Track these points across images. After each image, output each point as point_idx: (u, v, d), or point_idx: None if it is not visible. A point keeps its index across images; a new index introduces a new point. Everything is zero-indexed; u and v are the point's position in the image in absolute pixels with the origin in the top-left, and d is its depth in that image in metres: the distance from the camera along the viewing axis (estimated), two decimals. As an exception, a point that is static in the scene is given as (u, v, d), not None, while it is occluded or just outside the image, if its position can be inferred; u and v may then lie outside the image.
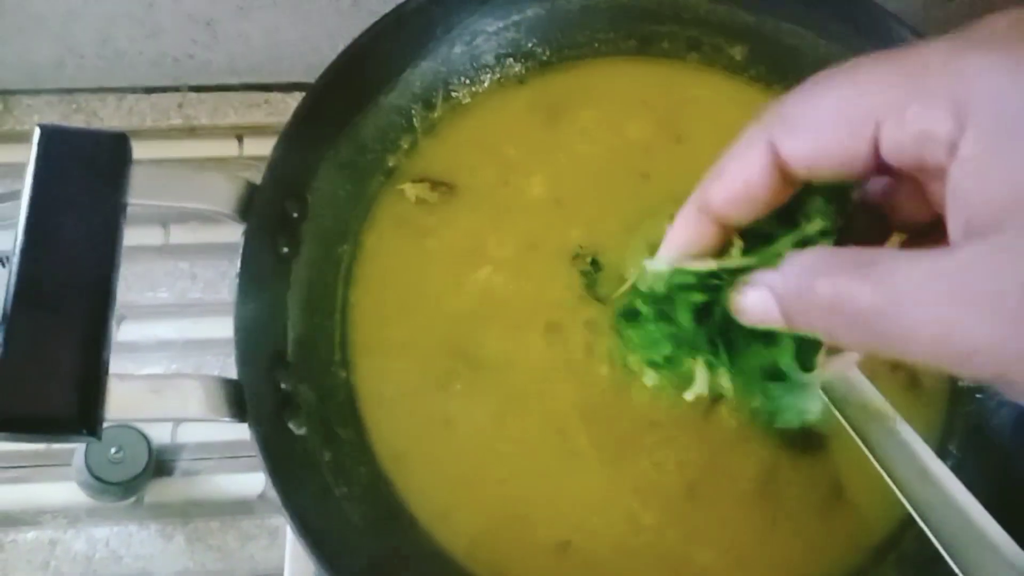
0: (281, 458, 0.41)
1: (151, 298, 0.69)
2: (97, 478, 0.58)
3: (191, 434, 0.63)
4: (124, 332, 0.66)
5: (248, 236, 0.44)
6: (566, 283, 0.51)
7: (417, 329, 0.50)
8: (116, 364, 0.63)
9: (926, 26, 0.54)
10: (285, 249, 0.48)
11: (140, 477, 0.59)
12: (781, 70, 0.58)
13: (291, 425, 0.44)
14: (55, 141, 0.40)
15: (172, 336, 0.67)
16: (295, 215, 0.48)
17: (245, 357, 0.42)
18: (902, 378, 0.51)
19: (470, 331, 0.50)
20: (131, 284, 0.68)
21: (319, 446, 0.45)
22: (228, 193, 0.44)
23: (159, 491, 0.62)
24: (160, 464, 0.61)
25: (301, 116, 0.47)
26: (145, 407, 0.39)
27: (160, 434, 0.63)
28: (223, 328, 0.45)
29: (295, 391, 0.45)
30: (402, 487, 0.46)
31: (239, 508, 0.64)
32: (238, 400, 0.41)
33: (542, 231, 0.53)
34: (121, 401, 0.39)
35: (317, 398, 0.47)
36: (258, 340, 0.44)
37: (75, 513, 0.61)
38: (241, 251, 0.44)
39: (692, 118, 0.56)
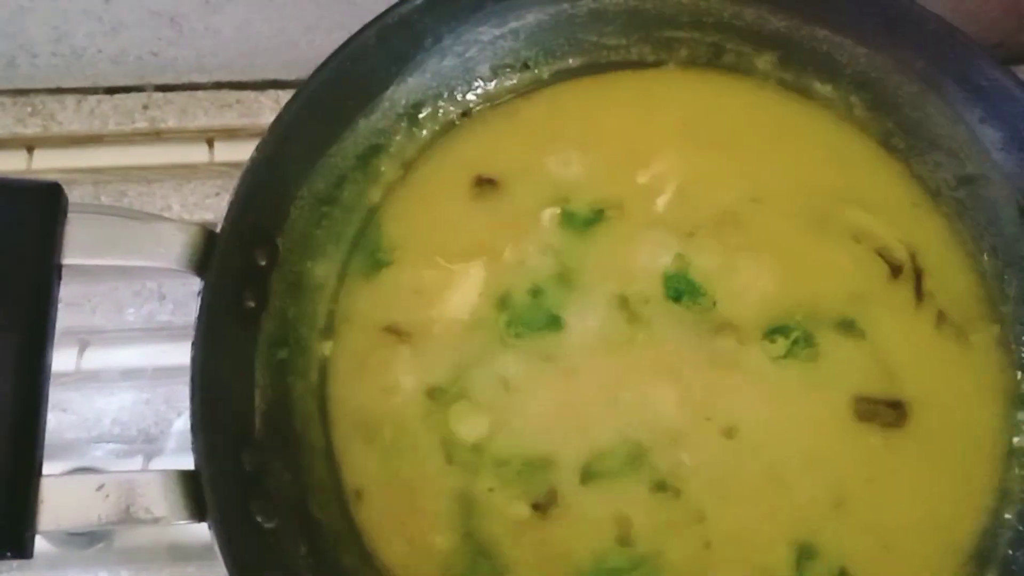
0: (249, 562, 0.35)
1: (117, 321, 0.63)
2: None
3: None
4: (88, 360, 0.60)
5: (207, 296, 0.38)
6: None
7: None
8: (81, 396, 0.60)
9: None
10: (251, 304, 0.42)
11: (107, 523, 0.53)
12: (817, 79, 0.52)
13: (260, 518, 0.39)
14: (-29, 196, 0.34)
15: (140, 363, 0.61)
16: (263, 263, 0.43)
17: (205, 442, 0.36)
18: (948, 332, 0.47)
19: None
20: (95, 306, 0.63)
21: (294, 538, 0.40)
22: (181, 246, 0.38)
23: (130, 535, 0.57)
24: (130, 506, 0.56)
25: (268, 151, 0.41)
26: (88, 513, 0.34)
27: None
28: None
29: (264, 473, 0.40)
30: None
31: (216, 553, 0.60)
32: (197, 495, 0.35)
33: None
34: (58, 508, 0.33)
35: (292, 476, 0.41)
36: (220, 418, 0.38)
37: (36, 563, 0.56)
38: (199, 314, 0.38)
39: (723, 130, 0.51)
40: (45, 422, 0.35)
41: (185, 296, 0.63)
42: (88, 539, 0.55)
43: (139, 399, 0.61)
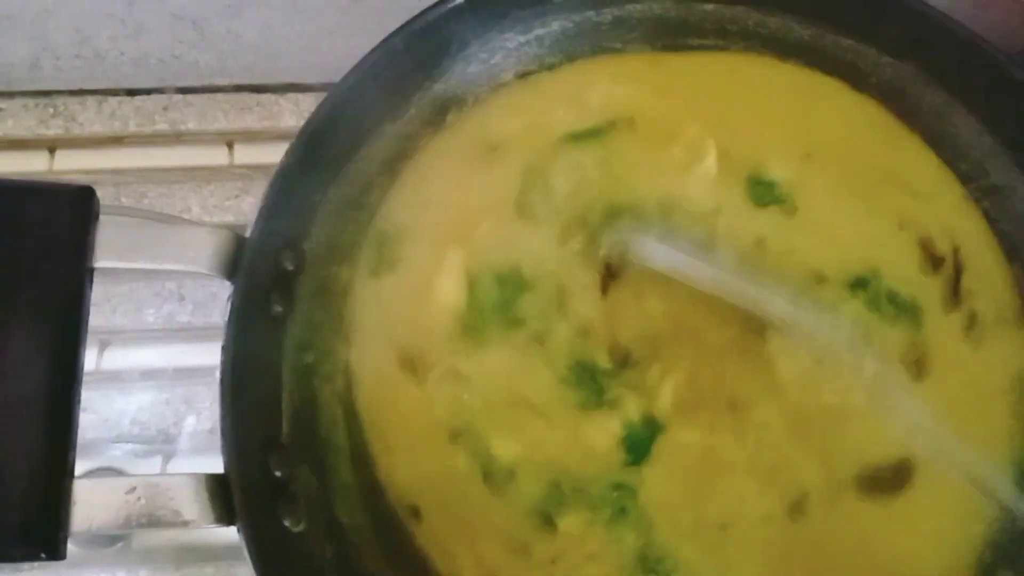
0: (277, 566, 0.36)
1: (137, 321, 0.63)
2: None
3: (183, 471, 0.58)
4: (108, 360, 0.61)
5: (237, 301, 0.38)
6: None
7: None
8: (101, 395, 0.61)
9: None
10: (279, 308, 0.42)
11: (126, 523, 0.54)
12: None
13: (287, 522, 0.39)
14: (3, 198, 0.34)
15: (160, 364, 0.61)
16: (290, 268, 0.43)
17: (235, 446, 0.36)
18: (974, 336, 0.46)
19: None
20: (115, 306, 0.63)
21: (320, 542, 0.40)
22: (213, 250, 0.38)
23: (148, 535, 0.57)
24: (149, 506, 0.56)
25: (297, 155, 0.41)
26: (119, 515, 0.34)
27: (148, 471, 0.58)
28: (215, 355, 0.40)
29: (291, 478, 0.40)
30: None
31: (234, 553, 0.60)
32: (226, 498, 0.36)
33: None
34: (90, 509, 0.34)
35: (317, 480, 0.41)
36: (249, 422, 0.38)
37: (57, 562, 0.56)
38: (228, 318, 0.38)
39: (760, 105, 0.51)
40: (78, 424, 0.35)
41: (204, 297, 0.63)
42: (108, 539, 0.56)
43: (159, 399, 0.61)
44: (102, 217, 0.38)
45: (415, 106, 0.49)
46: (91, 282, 0.37)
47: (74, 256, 0.36)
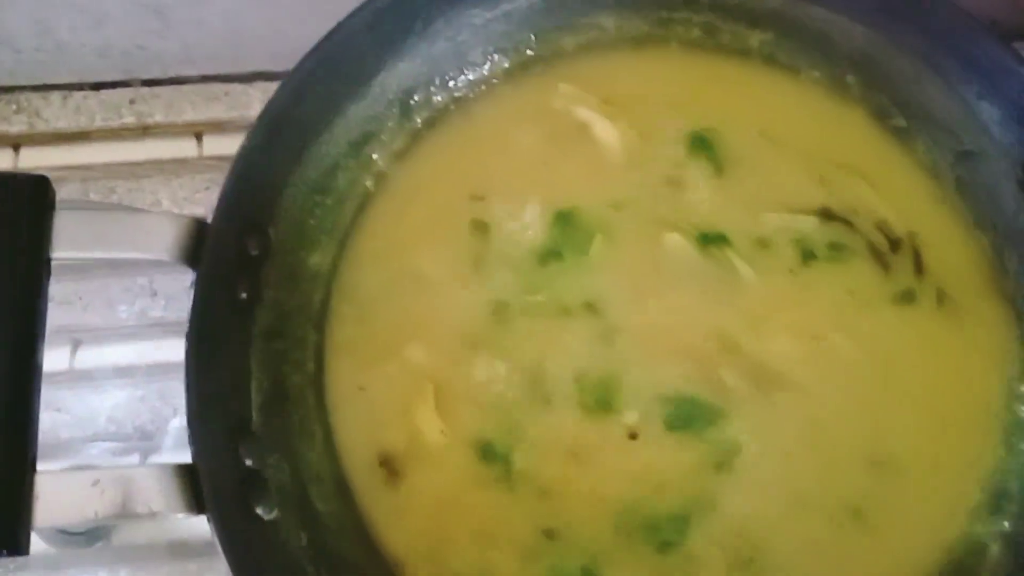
0: (249, 554, 0.35)
1: (109, 318, 0.62)
2: (56, 528, 0.52)
3: (163, 466, 0.57)
4: (81, 359, 0.60)
5: (200, 287, 0.37)
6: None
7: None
8: (74, 395, 0.60)
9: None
10: (244, 295, 0.42)
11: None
12: (809, 59, 0.51)
13: (259, 511, 0.38)
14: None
15: (134, 360, 0.61)
16: (255, 254, 0.42)
17: (202, 435, 0.35)
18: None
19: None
20: (87, 304, 0.62)
21: (294, 530, 0.40)
22: (172, 237, 0.37)
23: (129, 532, 0.56)
24: (128, 502, 0.56)
25: (258, 139, 0.41)
26: (83, 508, 0.33)
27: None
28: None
29: (263, 466, 0.39)
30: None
31: (217, 549, 0.59)
32: (195, 488, 0.35)
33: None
34: (53, 504, 0.33)
35: (290, 467, 0.41)
36: (217, 411, 0.38)
37: (35, 563, 0.55)
38: (191, 305, 0.37)
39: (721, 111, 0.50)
40: (38, 417, 0.34)
41: (177, 291, 0.63)
42: (87, 538, 0.55)
43: (134, 396, 0.60)
44: (60, 207, 0.37)
45: (379, 86, 0.48)
46: (48, 273, 0.36)
47: (30, 246, 0.35)
